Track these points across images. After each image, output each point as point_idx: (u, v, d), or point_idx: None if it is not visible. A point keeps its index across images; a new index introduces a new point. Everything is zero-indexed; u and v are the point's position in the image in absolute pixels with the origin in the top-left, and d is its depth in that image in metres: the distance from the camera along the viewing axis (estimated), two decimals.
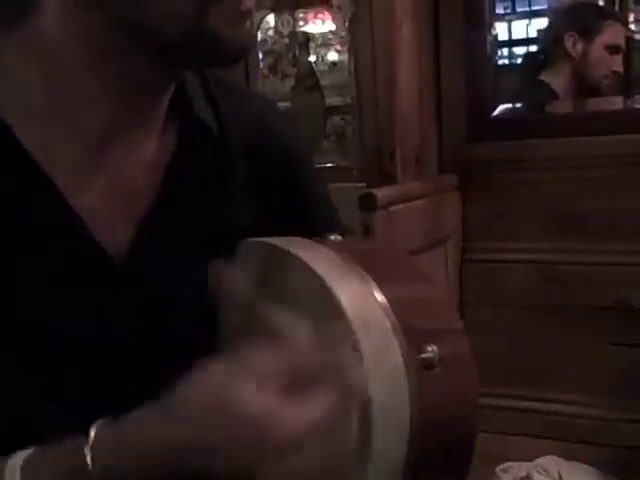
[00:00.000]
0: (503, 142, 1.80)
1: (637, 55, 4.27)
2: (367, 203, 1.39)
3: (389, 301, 0.62)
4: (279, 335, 0.63)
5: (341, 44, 1.58)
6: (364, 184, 1.55)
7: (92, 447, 0.55)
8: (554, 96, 2.34)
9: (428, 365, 0.61)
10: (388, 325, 0.61)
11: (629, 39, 3.88)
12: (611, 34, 2.36)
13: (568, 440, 1.64)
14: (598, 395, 1.66)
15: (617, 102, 2.33)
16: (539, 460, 1.51)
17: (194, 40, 0.60)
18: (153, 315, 0.67)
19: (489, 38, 2.01)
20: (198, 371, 0.55)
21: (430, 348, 0.61)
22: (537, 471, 1.47)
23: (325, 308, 0.60)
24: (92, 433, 0.56)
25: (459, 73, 1.81)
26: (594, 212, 1.67)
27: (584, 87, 2.31)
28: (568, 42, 2.36)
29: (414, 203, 1.59)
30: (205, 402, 0.55)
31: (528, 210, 1.74)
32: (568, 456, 1.60)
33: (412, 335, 0.61)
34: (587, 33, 2.34)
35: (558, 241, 1.70)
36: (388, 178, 1.57)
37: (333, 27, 1.59)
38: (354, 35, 1.55)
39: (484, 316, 1.75)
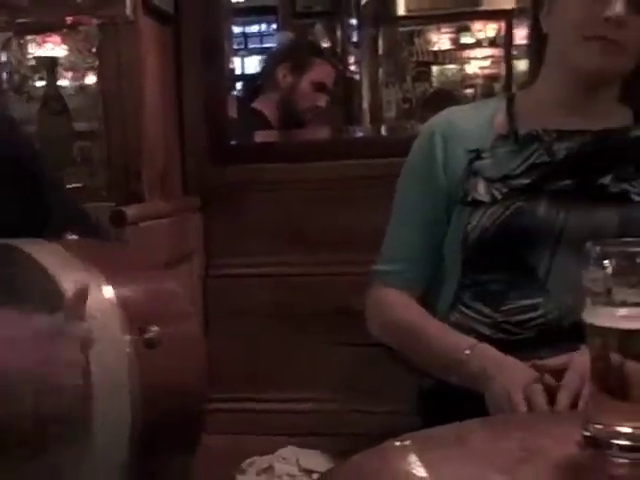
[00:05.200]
0: (241, 166, 1.97)
1: (356, 93, 4.71)
2: (117, 220, 1.48)
3: (113, 289, 0.73)
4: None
5: (89, 69, 1.65)
6: (113, 204, 1.63)
7: None
8: (266, 123, 2.57)
9: (150, 344, 0.72)
10: (111, 308, 0.72)
11: (349, 79, 4.30)
12: (318, 72, 2.62)
13: (305, 434, 1.83)
14: (328, 391, 1.88)
15: (323, 132, 2.63)
16: (279, 451, 1.68)
17: None
18: None
19: (227, 71, 2.18)
20: None
21: (152, 329, 0.73)
22: (278, 461, 1.63)
23: (51, 296, 0.70)
24: None
25: (200, 102, 1.95)
26: (319, 229, 1.88)
27: (290, 117, 2.56)
28: (279, 74, 2.62)
29: (161, 221, 1.70)
30: None
31: (263, 228, 1.92)
32: (306, 447, 1.78)
33: (134, 317, 0.72)
34: (297, 68, 2.60)
35: (291, 255, 1.90)
36: (136, 198, 1.66)
37: (81, 52, 1.65)
38: (102, 62, 1.63)
39: (227, 326, 1.89)
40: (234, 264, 1.92)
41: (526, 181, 1.29)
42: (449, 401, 1.24)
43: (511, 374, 1.16)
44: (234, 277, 1.93)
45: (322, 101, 2.66)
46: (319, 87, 2.64)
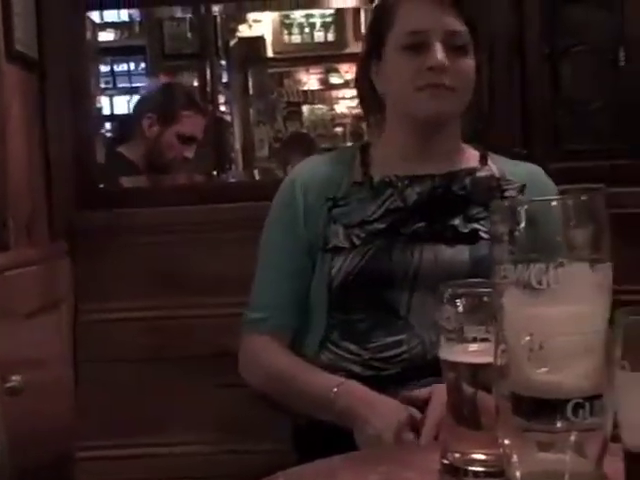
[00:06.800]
0: (110, 210, 1.96)
1: (228, 133, 4.75)
2: None
3: None
4: None
5: None
6: None
7: None
8: (132, 168, 2.54)
9: (13, 392, 0.74)
10: None
11: (219, 119, 4.34)
12: (187, 124, 2.59)
13: (184, 477, 1.82)
14: (206, 433, 1.88)
15: (193, 176, 2.63)
16: None
17: None
18: None
19: (94, 112, 2.17)
20: None
21: (14, 378, 0.74)
22: None
23: None
24: None
25: (67, 146, 1.93)
26: (192, 272, 1.89)
27: (155, 165, 2.55)
28: (145, 122, 2.59)
29: (28, 269, 1.66)
30: None
31: (135, 272, 1.91)
32: None
33: None
34: (164, 120, 2.56)
35: (163, 298, 1.90)
36: (1, 246, 1.62)
37: None
38: None
39: (99, 373, 1.86)
40: (105, 309, 1.90)
41: (382, 226, 1.35)
42: (323, 437, 1.27)
43: (382, 416, 1.20)
44: (105, 323, 1.90)
45: (190, 152, 2.62)
46: (187, 139, 2.62)
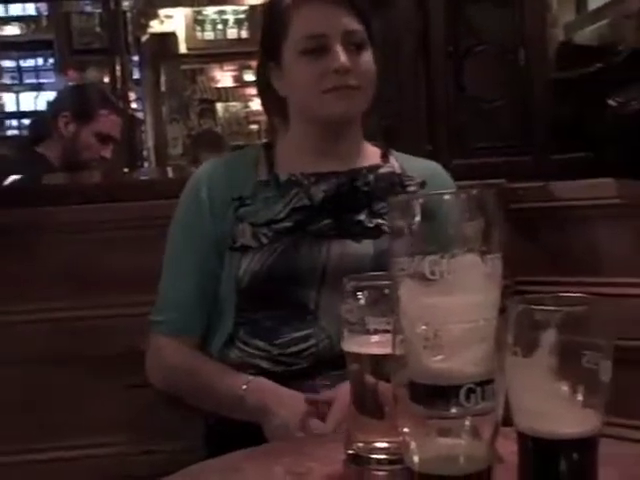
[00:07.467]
0: (17, 209, 1.90)
1: (140, 130, 4.69)
2: None
3: None
4: None
5: None
6: None
7: None
8: (50, 167, 2.50)
9: None
10: None
11: (131, 117, 4.27)
12: (103, 124, 2.57)
13: None
14: (118, 434, 1.85)
15: (107, 174, 2.59)
16: None
17: None
18: None
19: None
20: None
21: None
22: None
23: None
24: None
25: None
26: (104, 270, 1.86)
27: (72, 164, 2.51)
28: (61, 122, 2.55)
29: None
30: None
31: (45, 271, 1.86)
32: None
33: None
34: (81, 118, 2.54)
35: (72, 298, 1.86)
36: None
37: None
38: None
39: (6, 374, 1.81)
40: (12, 311, 1.85)
41: (289, 224, 1.36)
42: (233, 435, 1.28)
43: (288, 406, 1.22)
44: (12, 324, 1.85)
45: (107, 152, 2.59)
46: (104, 139, 2.58)
